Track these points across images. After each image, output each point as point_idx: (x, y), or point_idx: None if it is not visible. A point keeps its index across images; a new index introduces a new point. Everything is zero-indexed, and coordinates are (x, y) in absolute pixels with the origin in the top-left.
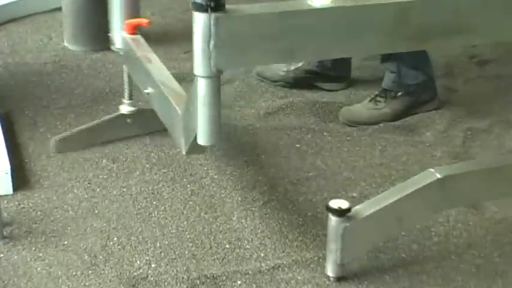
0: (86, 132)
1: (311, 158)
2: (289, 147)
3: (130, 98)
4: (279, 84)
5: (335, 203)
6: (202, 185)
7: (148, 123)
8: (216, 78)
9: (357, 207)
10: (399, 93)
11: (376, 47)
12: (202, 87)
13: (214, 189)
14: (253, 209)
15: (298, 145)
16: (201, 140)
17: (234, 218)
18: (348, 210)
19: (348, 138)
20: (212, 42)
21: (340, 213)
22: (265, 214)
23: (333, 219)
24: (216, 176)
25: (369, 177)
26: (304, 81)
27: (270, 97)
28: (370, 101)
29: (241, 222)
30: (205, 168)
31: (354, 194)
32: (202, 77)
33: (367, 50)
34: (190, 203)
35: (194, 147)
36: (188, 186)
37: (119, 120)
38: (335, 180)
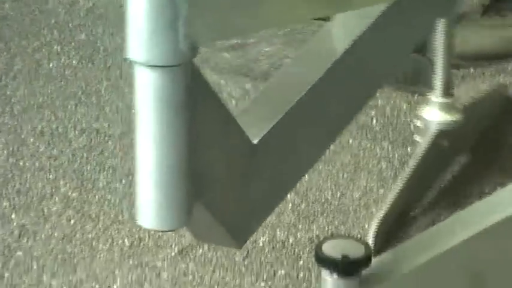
0: None
1: None
2: None
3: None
4: None
5: (335, 248)
6: None
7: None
8: (185, 69)
9: (384, 256)
10: None
11: None
12: (152, 92)
13: None
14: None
15: None
16: (141, 219)
17: None
18: (364, 262)
19: None
20: None
21: (347, 269)
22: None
23: (329, 283)
24: None
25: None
26: None
27: None
28: (485, 13)
29: None
30: None
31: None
32: (154, 66)
33: None
34: None
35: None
36: None
37: None
38: (340, 200)
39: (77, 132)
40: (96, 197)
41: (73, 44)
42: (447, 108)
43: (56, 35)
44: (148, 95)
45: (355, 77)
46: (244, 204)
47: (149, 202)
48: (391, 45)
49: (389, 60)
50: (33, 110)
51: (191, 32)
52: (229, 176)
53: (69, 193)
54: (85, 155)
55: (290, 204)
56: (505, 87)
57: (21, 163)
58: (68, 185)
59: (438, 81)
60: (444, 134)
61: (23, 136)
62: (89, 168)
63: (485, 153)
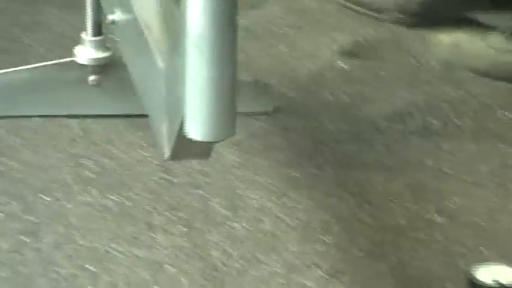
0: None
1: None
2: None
3: (99, 33)
4: (387, 18)
5: (487, 274)
6: None
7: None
8: None
9: None
10: None
11: None
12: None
13: None
14: None
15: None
16: (193, 130)
17: None
18: None
19: None
20: None
21: None
22: None
23: None
24: None
25: None
26: (446, 11)
27: None
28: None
29: None
30: None
31: None
32: None
33: None
34: None
35: (183, 145)
36: None
37: (72, 76)
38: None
39: None
40: None
41: None
42: (97, 46)
43: None
44: (199, 7)
45: None
46: None
47: (204, 115)
48: None
49: None
50: None
51: None
52: None
53: None
54: None
55: (438, 227)
56: None
57: None
58: None
59: (89, 21)
60: (95, 69)
61: None
62: None
63: None
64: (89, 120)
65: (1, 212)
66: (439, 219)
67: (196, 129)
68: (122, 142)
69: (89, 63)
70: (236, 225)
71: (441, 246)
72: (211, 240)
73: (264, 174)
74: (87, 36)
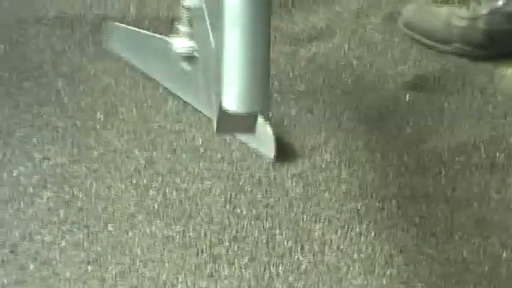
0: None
1: None
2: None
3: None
4: (451, 49)
5: None
6: None
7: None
8: None
9: None
10: None
11: None
12: None
13: None
14: None
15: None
16: (229, 102)
17: None
18: None
19: None
20: None
21: None
22: None
23: None
24: None
25: None
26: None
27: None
28: None
29: None
30: None
31: None
32: None
33: None
34: None
35: (226, 118)
36: None
37: (166, 58)
38: None
39: None
40: None
41: None
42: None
43: None
44: None
45: None
46: None
47: (237, 88)
48: None
49: None
50: None
51: None
52: None
53: None
54: None
55: (502, 261)
56: None
57: None
58: None
59: (185, 15)
60: (187, 57)
61: None
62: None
63: None
64: (152, 150)
65: (66, 240)
66: (504, 253)
67: (231, 101)
68: (185, 172)
69: (181, 52)
70: (300, 257)
71: (505, 280)
72: (275, 272)
73: (328, 206)
74: (181, 26)
